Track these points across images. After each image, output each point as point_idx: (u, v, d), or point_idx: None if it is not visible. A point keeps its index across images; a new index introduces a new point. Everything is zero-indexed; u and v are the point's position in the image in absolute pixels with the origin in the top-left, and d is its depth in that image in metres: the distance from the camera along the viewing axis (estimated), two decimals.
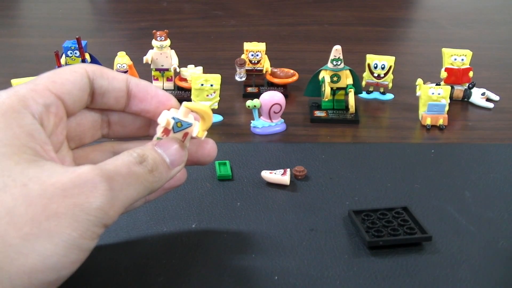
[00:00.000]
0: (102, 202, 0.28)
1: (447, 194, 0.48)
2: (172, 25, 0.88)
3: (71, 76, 0.33)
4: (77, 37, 0.64)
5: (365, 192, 0.48)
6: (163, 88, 0.66)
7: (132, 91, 0.36)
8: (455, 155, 0.54)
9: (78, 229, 0.27)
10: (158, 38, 0.65)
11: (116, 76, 0.35)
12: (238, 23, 0.96)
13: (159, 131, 0.35)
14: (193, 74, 0.62)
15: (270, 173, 0.49)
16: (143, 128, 0.39)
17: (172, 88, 0.67)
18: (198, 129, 0.35)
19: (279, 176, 0.48)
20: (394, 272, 0.39)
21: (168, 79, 0.67)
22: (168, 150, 0.34)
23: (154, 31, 0.65)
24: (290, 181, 0.49)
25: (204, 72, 0.65)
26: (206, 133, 0.36)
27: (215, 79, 0.59)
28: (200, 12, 1.01)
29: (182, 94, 0.66)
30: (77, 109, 0.35)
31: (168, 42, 0.65)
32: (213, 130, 0.59)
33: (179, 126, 0.35)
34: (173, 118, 0.35)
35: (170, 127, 0.35)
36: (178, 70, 0.66)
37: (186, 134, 0.35)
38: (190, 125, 0.35)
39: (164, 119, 0.35)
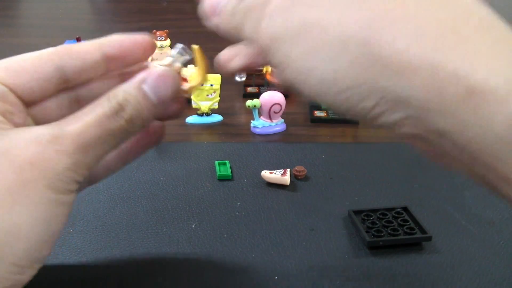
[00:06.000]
0: (68, 164, 0.28)
1: (447, 194, 0.48)
2: (172, 25, 0.88)
3: (31, 64, 0.31)
4: (77, 37, 0.64)
5: (365, 192, 0.48)
6: None
7: (111, 54, 0.33)
8: None
9: (54, 188, 0.27)
10: (158, 38, 0.65)
11: (86, 49, 0.33)
12: None
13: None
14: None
15: (270, 173, 0.49)
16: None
17: None
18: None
19: (279, 176, 0.48)
20: (394, 272, 0.39)
21: None
22: (158, 87, 0.31)
23: (154, 31, 0.65)
24: (290, 181, 0.49)
25: None
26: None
27: (215, 79, 0.59)
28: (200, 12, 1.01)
29: None
30: (38, 97, 0.32)
31: (168, 42, 0.65)
32: (213, 130, 0.59)
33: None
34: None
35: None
36: None
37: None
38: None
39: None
